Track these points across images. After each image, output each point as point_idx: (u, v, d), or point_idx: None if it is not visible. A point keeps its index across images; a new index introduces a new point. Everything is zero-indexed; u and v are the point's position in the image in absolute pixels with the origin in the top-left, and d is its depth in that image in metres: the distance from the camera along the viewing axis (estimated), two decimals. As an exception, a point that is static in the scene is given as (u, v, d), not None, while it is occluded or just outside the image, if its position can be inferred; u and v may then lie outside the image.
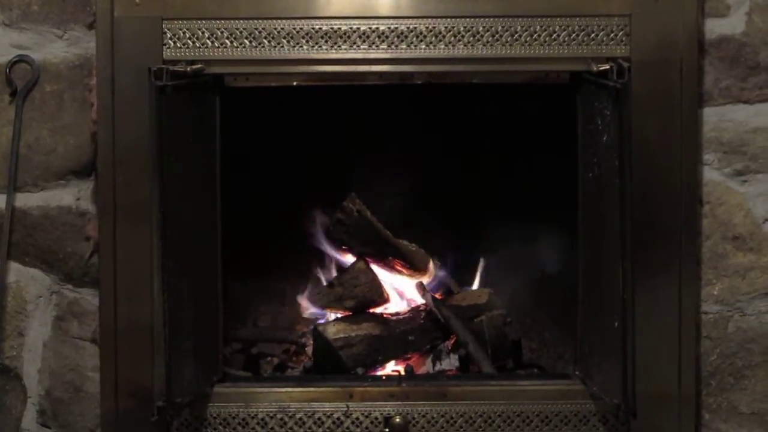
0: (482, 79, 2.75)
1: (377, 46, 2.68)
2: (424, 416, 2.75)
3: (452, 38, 2.68)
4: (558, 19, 2.67)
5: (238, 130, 2.80)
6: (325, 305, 3.08)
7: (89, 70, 2.72)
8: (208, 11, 2.67)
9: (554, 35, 2.67)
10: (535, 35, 2.67)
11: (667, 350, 2.72)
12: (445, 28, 2.67)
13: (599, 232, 2.69)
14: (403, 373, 2.95)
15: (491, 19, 2.67)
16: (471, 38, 2.68)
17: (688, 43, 2.68)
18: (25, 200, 2.75)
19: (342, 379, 2.86)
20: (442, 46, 2.68)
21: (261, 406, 2.75)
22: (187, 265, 2.65)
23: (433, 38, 2.68)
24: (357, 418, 2.75)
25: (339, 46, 2.68)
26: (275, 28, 2.67)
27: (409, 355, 3.03)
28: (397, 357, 3.01)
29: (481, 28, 2.67)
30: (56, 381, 2.78)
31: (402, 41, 2.68)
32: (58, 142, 2.74)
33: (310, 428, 2.75)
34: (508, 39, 2.68)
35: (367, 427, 2.75)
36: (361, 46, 2.68)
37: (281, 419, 2.75)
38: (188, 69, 2.63)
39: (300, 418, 2.75)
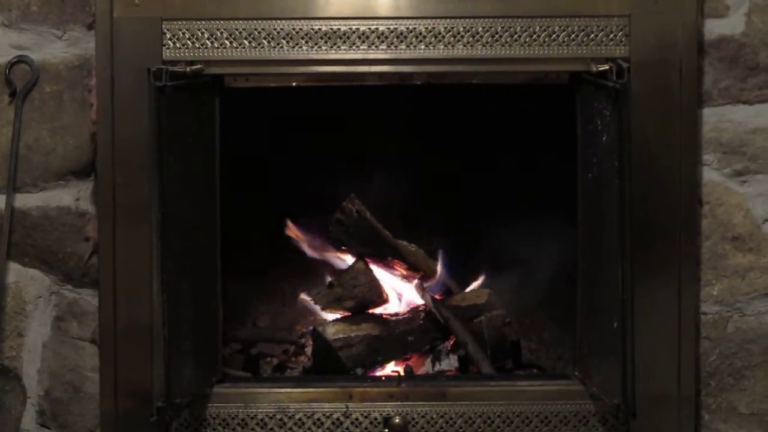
0: (482, 79, 2.75)
1: (376, 46, 2.68)
2: (423, 417, 2.75)
3: (452, 39, 2.68)
4: (557, 19, 2.67)
5: (237, 130, 2.80)
6: (325, 306, 3.08)
7: (89, 70, 2.72)
8: (208, 12, 2.67)
9: (554, 36, 2.67)
10: (535, 36, 2.68)
11: (667, 350, 2.72)
12: (445, 28, 2.67)
13: (599, 233, 2.69)
14: (402, 373, 2.95)
15: (491, 20, 2.67)
16: (470, 39, 2.68)
17: (687, 44, 2.68)
18: (25, 201, 2.75)
19: (341, 379, 2.86)
20: (442, 47, 2.68)
21: (260, 406, 2.75)
22: (186, 265, 2.65)
23: (433, 39, 2.68)
24: (356, 419, 2.75)
25: (338, 47, 2.68)
26: (275, 29, 2.67)
27: (408, 356, 3.03)
28: (396, 357, 3.01)
29: (480, 29, 2.67)
30: (56, 381, 2.78)
31: (401, 42, 2.68)
32: (57, 143, 2.74)
33: (309, 429, 2.75)
34: (508, 39, 2.68)
35: (366, 428, 2.75)
36: (361, 47, 2.68)
37: (280, 420, 2.74)
38: (188, 69, 2.63)
39: (299, 419, 2.75)
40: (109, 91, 2.67)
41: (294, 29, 2.67)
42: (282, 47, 2.67)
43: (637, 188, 2.63)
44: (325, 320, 3.08)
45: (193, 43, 2.67)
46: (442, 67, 2.70)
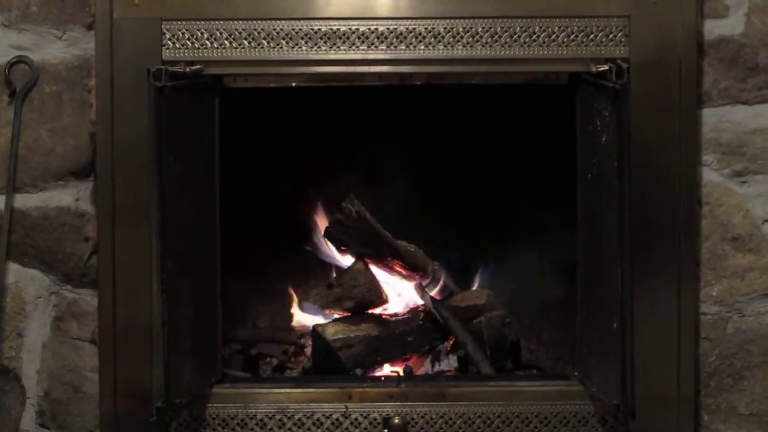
0: (481, 79, 2.75)
1: (376, 46, 2.68)
2: (423, 417, 2.75)
3: (451, 39, 2.68)
4: (557, 20, 2.67)
5: (237, 129, 2.80)
6: (324, 306, 3.08)
7: (88, 70, 2.72)
8: (207, 12, 2.67)
9: (553, 36, 2.67)
10: (534, 36, 2.68)
11: (666, 351, 2.72)
12: (444, 29, 2.67)
13: (598, 233, 2.69)
14: (402, 373, 2.95)
15: (490, 20, 2.67)
16: (470, 39, 2.68)
17: (687, 44, 2.68)
18: (24, 201, 2.75)
19: (341, 379, 2.86)
20: (441, 47, 2.68)
21: (260, 406, 2.75)
22: (186, 265, 2.65)
23: (432, 39, 2.68)
24: (356, 419, 2.75)
25: (338, 47, 2.68)
26: (274, 29, 2.67)
27: (408, 356, 3.03)
28: (396, 358, 3.01)
29: (480, 29, 2.67)
30: (55, 382, 2.78)
31: (401, 42, 2.68)
32: (57, 143, 2.74)
33: (309, 429, 2.74)
34: (507, 40, 2.68)
35: (366, 428, 2.75)
36: (360, 47, 2.68)
37: (280, 420, 2.74)
38: (187, 70, 2.63)
39: (299, 419, 2.75)
40: (109, 92, 2.67)
41: (293, 29, 2.67)
42: (282, 47, 2.67)
43: (636, 189, 2.63)
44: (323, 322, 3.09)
45: (192, 43, 2.67)
46: (441, 67, 2.70)
